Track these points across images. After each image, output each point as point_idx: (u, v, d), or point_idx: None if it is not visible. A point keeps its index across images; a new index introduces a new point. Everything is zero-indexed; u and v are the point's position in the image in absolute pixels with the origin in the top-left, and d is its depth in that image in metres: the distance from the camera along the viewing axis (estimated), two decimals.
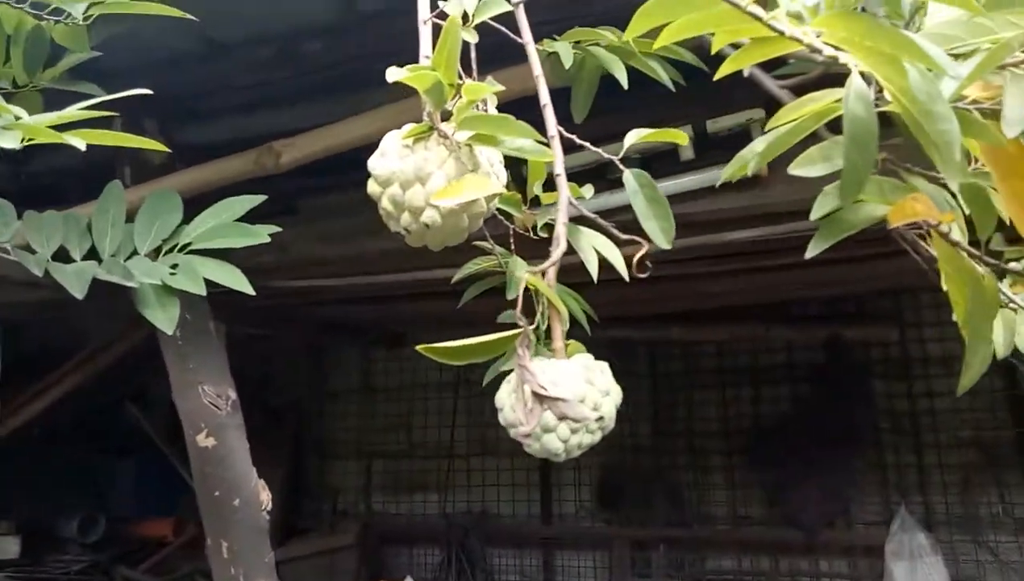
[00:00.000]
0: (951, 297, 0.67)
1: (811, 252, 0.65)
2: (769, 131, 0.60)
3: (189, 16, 0.91)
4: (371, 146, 1.47)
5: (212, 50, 1.60)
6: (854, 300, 3.25)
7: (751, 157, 0.57)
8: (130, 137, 0.72)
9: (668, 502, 3.35)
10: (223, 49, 1.60)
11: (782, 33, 0.47)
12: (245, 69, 1.63)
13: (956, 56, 0.53)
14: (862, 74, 0.49)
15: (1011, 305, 0.78)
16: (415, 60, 0.78)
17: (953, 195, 0.65)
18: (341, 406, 4.17)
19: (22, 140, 0.64)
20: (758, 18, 0.47)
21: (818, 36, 0.46)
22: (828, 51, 0.49)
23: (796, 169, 0.62)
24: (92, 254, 1.02)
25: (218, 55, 1.61)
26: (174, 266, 0.98)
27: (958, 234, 0.65)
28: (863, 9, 0.55)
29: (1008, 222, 0.55)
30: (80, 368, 3.02)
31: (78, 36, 0.98)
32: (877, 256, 1.91)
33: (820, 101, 0.57)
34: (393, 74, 0.56)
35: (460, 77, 0.65)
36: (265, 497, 1.73)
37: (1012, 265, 0.66)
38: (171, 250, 1.05)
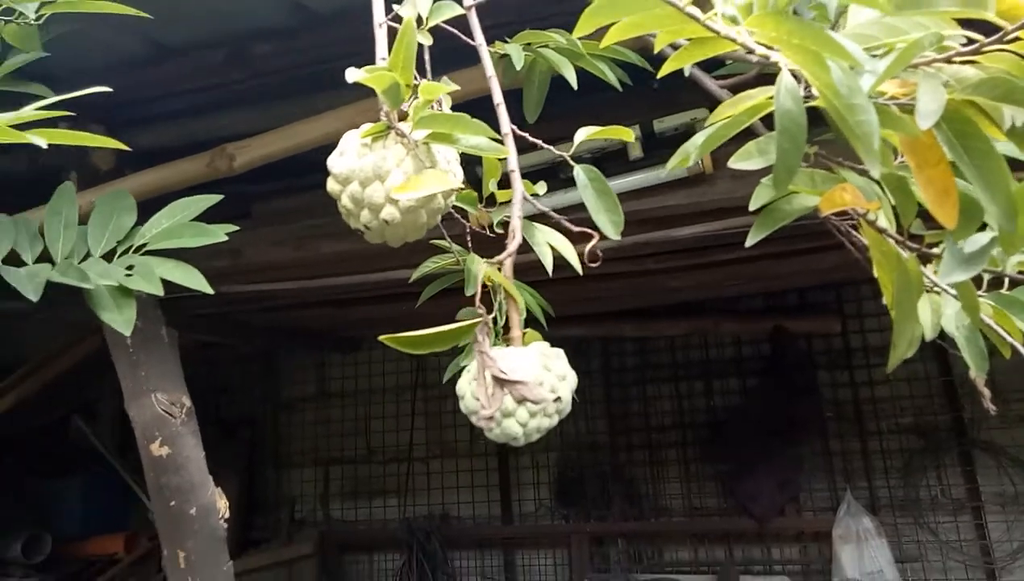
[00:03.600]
0: (880, 281, 0.72)
1: (750, 241, 0.69)
2: (710, 124, 0.64)
3: (142, 14, 0.91)
4: (326, 148, 1.48)
5: (160, 53, 1.59)
6: (797, 294, 3.37)
7: (692, 149, 0.61)
8: (92, 137, 0.72)
9: (625, 497, 3.42)
10: (171, 52, 1.59)
11: (717, 33, 0.51)
12: (195, 72, 1.62)
13: (874, 54, 0.58)
14: (792, 72, 0.53)
15: (935, 289, 0.84)
16: (367, 62, 0.80)
17: (880, 186, 0.70)
18: (296, 413, 4.13)
19: None
20: (695, 19, 0.50)
21: (751, 35, 0.50)
22: (760, 50, 0.53)
23: (735, 163, 0.66)
24: (44, 257, 1.01)
25: (166, 58, 1.60)
26: (130, 267, 0.98)
27: (885, 222, 0.71)
28: (794, 11, 0.60)
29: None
30: (21, 383, 2.92)
31: (29, 36, 0.97)
32: (817, 249, 2.00)
33: (755, 98, 0.61)
34: (352, 75, 0.58)
35: (416, 78, 0.67)
36: (222, 505, 1.71)
37: (934, 250, 0.71)
38: (126, 252, 1.04)
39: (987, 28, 0.54)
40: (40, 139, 0.68)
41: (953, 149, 0.53)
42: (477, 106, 0.84)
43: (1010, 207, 0.50)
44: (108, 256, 1.04)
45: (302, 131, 1.36)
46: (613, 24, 0.56)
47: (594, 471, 3.52)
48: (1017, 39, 0.55)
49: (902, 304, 0.67)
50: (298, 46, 1.54)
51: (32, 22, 0.93)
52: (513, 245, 0.64)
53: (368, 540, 3.84)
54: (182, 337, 1.82)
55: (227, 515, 1.70)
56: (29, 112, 0.66)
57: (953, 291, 0.67)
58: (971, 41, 0.56)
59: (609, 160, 1.54)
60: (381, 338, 0.59)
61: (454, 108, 0.75)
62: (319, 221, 1.84)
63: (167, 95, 1.71)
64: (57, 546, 3.36)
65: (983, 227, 0.58)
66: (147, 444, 1.63)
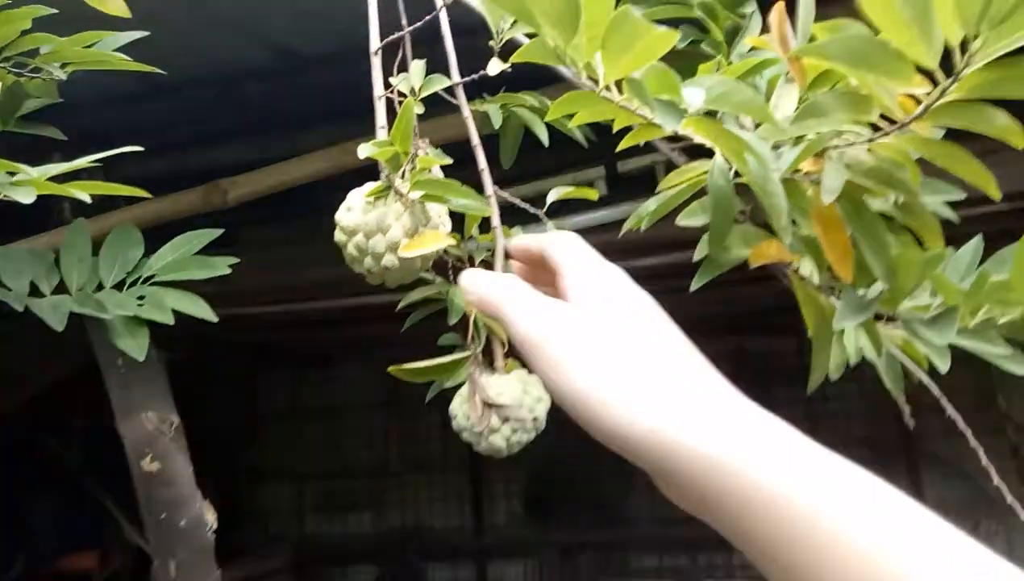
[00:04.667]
0: (805, 316, 0.85)
1: (695, 286, 0.82)
2: (660, 192, 0.77)
3: (157, 70, 1.01)
4: (312, 183, 1.58)
5: (153, 90, 1.68)
6: (758, 314, 3.54)
7: (645, 215, 0.73)
8: (120, 187, 0.82)
9: (593, 507, 3.54)
10: (164, 89, 1.68)
11: (660, 126, 0.63)
12: (186, 108, 1.72)
13: (798, 140, 0.71)
14: (724, 155, 0.66)
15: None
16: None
17: None
18: (270, 428, 4.18)
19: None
20: (645, 117, 0.63)
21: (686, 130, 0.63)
22: (698, 139, 0.66)
23: (682, 220, 0.79)
24: (59, 288, 1.10)
25: (159, 95, 1.69)
26: (140, 298, 1.07)
27: (807, 270, 0.84)
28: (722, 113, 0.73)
29: None
30: None
31: (49, 88, 1.06)
32: (772, 276, 2.15)
33: (697, 170, 0.74)
34: (363, 151, 0.69)
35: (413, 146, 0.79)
36: (210, 517, 1.79)
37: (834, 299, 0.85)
38: (134, 283, 1.13)
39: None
40: (83, 193, 0.79)
41: (850, 220, 0.66)
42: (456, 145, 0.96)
43: (889, 269, 0.63)
44: (118, 286, 1.13)
45: (292, 169, 1.47)
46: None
47: (563, 483, 3.64)
48: (910, 130, 0.69)
49: (819, 338, 0.81)
50: (285, 86, 1.65)
51: (56, 76, 1.02)
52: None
53: (342, 553, 3.90)
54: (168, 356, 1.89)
55: (215, 527, 1.78)
56: (74, 165, 0.76)
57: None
58: (876, 128, 0.69)
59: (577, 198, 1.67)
60: (390, 369, 0.70)
61: (441, 147, 0.89)
62: (302, 249, 1.94)
63: (159, 129, 1.80)
64: (29, 564, 3.37)
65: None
66: (138, 460, 1.71)
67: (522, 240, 0.50)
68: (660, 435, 0.36)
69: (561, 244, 0.46)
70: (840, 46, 0.51)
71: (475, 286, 0.44)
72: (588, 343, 0.38)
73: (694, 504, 0.38)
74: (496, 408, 0.70)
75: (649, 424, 0.36)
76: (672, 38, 0.52)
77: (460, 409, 0.75)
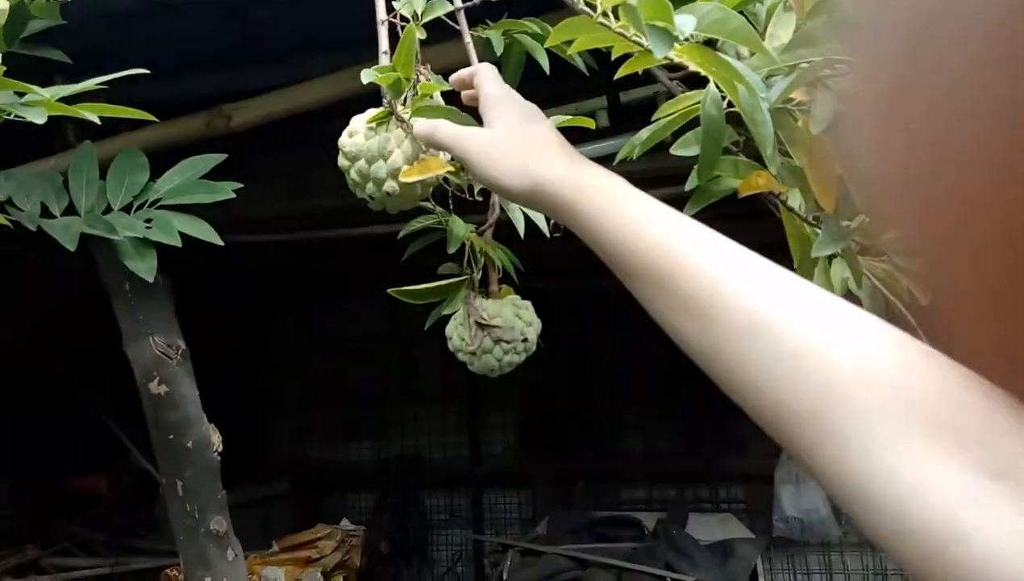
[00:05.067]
0: (791, 248, 0.88)
1: (687, 213, 0.84)
2: (656, 120, 0.79)
3: None
4: (317, 110, 1.58)
5: (154, 8, 1.66)
6: (753, 249, 3.57)
7: (638, 144, 0.75)
8: (128, 110, 0.84)
9: (585, 439, 3.65)
10: (166, 8, 1.66)
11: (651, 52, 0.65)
12: (190, 30, 1.70)
13: (790, 69, 0.73)
14: (717, 84, 0.68)
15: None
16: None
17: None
18: (273, 358, 4.26)
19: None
20: (640, 44, 0.64)
21: (679, 58, 0.64)
22: (692, 67, 0.68)
23: (676, 150, 0.81)
24: (68, 210, 1.12)
25: (161, 14, 1.67)
26: (148, 220, 1.10)
27: (795, 202, 0.87)
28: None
29: None
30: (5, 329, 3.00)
31: (52, 10, 1.06)
32: (765, 212, 2.17)
33: (691, 99, 0.76)
34: (366, 76, 0.71)
35: (416, 70, 0.81)
36: (216, 439, 1.86)
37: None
38: (141, 206, 1.16)
39: None
40: (93, 115, 0.80)
41: (835, 152, 0.68)
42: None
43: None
44: (126, 209, 1.16)
45: (299, 94, 1.47)
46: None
47: (557, 415, 3.74)
48: None
49: (803, 269, 0.84)
50: (292, 10, 1.63)
51: None
52: (492, 217, 0.79)
53: (343, 480, 4.03)
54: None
55: (220, 448, 1.85)
56: (84, 86, 0.78)
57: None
58: None
59: (579, 128, 1.67)
60: (389, 291, 0.73)
61: (442, 73, 0.90)
62: (305, 177, 1.95)
63: (162, 51, 1.79)
64: (43, 485, 3.49)
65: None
66: (146, 383, 1.76)
67: (458, 75, 0.71)
68: (541, 180, 0.57)
69: (481, 77, 0.66)
70: None
71: (427, 131, 0.66)
72: (495, 146, 0.60)
73: (562, 217, 0.58)
74: (489, 329, 0.74)
75: (530, 181, 0.58)
76: None
77: (455, 331, 0.79)
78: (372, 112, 0.82)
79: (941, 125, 0.18)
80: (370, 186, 0.80)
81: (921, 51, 0.18)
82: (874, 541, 0.35)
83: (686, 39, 0.61)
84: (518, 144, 0.59)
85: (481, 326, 0.78)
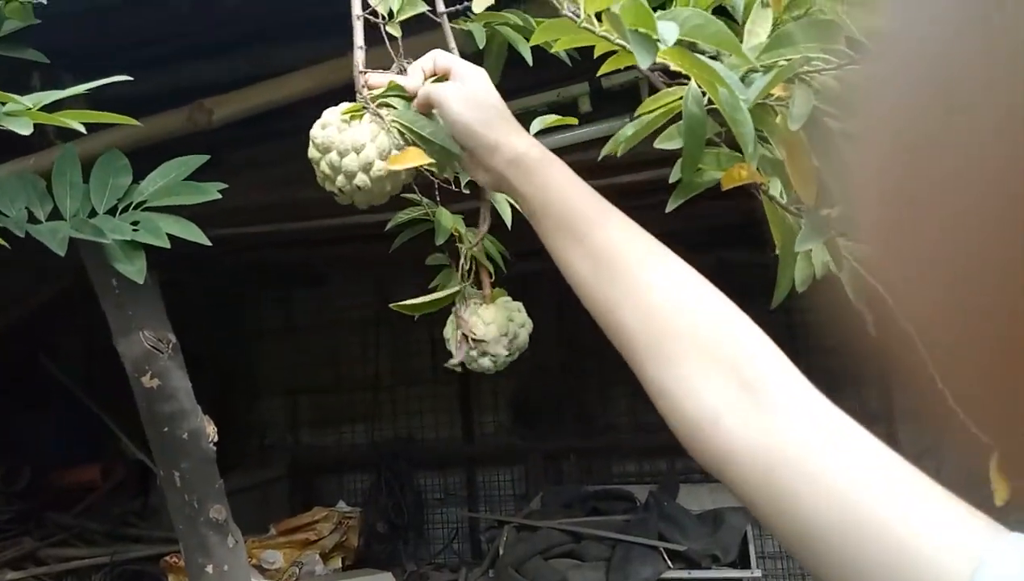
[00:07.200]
0: (773, 233, 0.90)
1: (671, 207, 0.86)
2: (638, 117, 0.80)
3: None
4: (299, 102, 1.57)
5: (126, 2, 1.64)
6: (735, 228, 3.60)
7: (622, 140, 0.77)
8: (110, 115, 0.84)
9: (576, 416, 3.69)
10: (138, 1, 1.64)
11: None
12: (162, 22, 1.68)
13: (768, 67, 0.74)
14: (698, 83, 0.69)
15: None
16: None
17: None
18: (264, 346, 4.26)
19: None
20: (623, 46, 0.65)
21: (663, 60, 0.65)
22: (673, 67, 0.69)
23: (659, 144, 0.82)
24: (54, 214, 1.12)
25: (133, 7, 1.65)
26: (135, 223, 1.10)
27: (777, 189, 0.88)
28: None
29: None
30: None
31: (27, 11, 1.05)
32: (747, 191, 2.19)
33: (673, 96, 0.77)
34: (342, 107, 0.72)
35: (400, 62, 0.81)
36: (211, 429, 1.87)
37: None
38: (126, 209, 1.15)
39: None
40: (77, 123, 0.80)
41: (813, 145, 0.70)
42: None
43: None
44: (111, 212, 1.15)
45: (278, 87, 1.46)
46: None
47: (548, 394, 3.78)
48: None
49: (785, 254, 0.86)
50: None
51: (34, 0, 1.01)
52: (484, 227, 0.80)
53: (338, 462, 4.07)
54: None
55: (215, 439, 1.86)
56: (66, 93, 0.78)
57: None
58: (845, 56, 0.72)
59: (560, 112, 1.68)
60: (391, 306, 0.75)
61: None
62: (287, 168, 1.94)
63: (134, 44, 1.77)
64: (35, 476, 3.50)
65: None
66: (138, 377, 1.77)
67: (423, 62, 0.76)
68: (496, 140, 0.67)
69: (443, 61, 0.74)
70: None
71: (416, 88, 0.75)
72: (465, 102, 0.69)
73: (497, 180, 0.70)
74: (476, 342, 0.76)
75: (494, 135, 0.68)
76: None
77: (450, 335, 0.81)
78: (346, 105, 0.82)
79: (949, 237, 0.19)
80: (340, 179, 0.80)
81: (923, 168, 0.20)
82: (672, 429, 0.56)
83: None
84: (482, 108, 0.69)
85: (468, 339, 0.80)
